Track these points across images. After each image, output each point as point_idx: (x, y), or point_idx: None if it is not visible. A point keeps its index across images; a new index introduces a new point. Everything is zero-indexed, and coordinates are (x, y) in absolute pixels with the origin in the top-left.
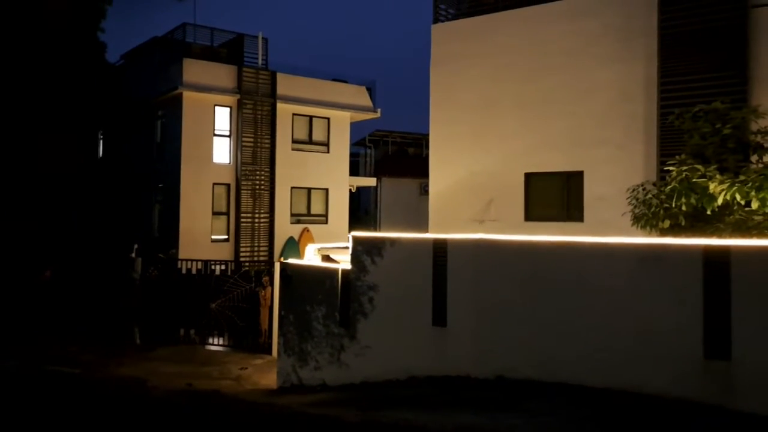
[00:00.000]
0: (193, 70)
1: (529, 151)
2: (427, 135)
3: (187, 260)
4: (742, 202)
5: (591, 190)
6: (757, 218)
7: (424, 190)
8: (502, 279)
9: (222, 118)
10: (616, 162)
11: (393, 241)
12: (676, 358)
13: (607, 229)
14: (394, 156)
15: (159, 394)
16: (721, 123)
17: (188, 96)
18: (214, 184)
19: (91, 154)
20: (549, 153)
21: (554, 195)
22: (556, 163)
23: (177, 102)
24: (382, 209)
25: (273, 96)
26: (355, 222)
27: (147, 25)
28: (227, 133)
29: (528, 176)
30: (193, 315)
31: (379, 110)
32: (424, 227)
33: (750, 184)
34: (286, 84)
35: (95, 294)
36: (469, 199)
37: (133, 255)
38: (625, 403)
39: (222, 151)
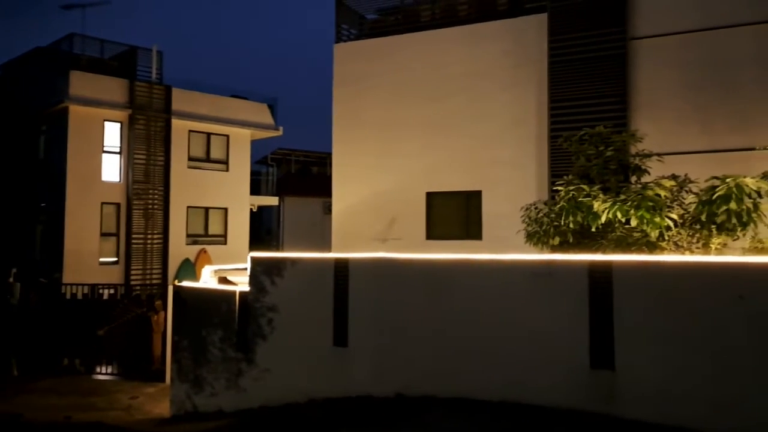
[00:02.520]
0: (81, 82)
1: (430, 171)
2: (331, 153)
3: (72, 285)
4: (623, 220)
5: (489, 208)
6: (637, 235)
7: (328, 209)
8: (402, 297)
9: (112, 133)
10: (512, 182)
11: (294, 261)
12: (566, 370)
13: (504, 247)
14: (297, 174)
15: (34, 430)
16: (604, 146)
17: (75, 110)
18: (102, 203)
19: None
20: (449, 173)
21: (454, 214)
22: (456, 183)
23: (62, 116)
24: (285, 229)
25: (168, 111)
26: (256, 242)
27: (32, 35)
28: (118, 150)
29: (429, 195)
30: (78, 343)
31: (281, 128)
32: (328, 247)
33: (629, 203)
34: (182, 99)
35: None
36: (372, 217)
37: (11, 280)
38: (517, 416)
39: (112, 169)
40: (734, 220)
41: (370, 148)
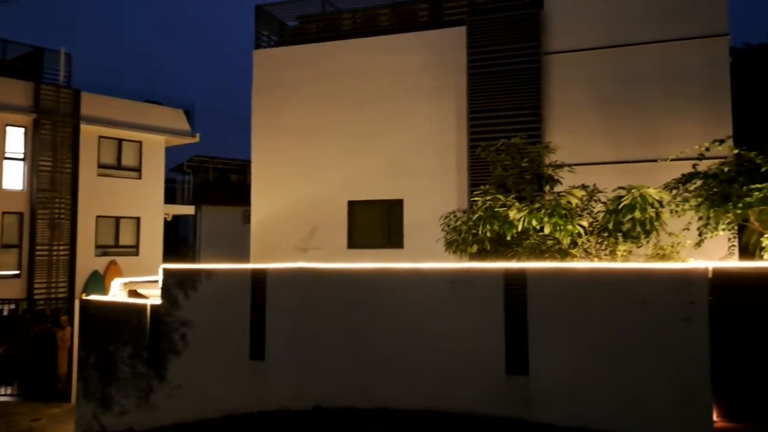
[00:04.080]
0: None
1: (352, 180)
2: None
3: None
4: (537, 228)
5: (410, 217)
6: (550, 242)
7: (247, 219)
8: (321, 308)
9: (15, 139)
10: (432, 191)
11: (208, 273)
12: (483, 376)
13: (425, 255)
14: (215, 183)
15: None
16: (520, 156)
17: None
18: (3, 213)
19: None
20: (371, 181)
21: (376, 222)
22: (377, 192)
23: None
24: (202, 239)
25: (76, 116)
26: (172, 253)
27: None
28: (21, 157)
29: (351, 204)
30: None
31: (198, 135)
32: (247, 257)
33: (543, 212)
34: (92, 104)
35: None
36: (292, 227)
37: None
38: (436, 425)
39: (14, 176)
40: (638, 228)
41: (290, 156)
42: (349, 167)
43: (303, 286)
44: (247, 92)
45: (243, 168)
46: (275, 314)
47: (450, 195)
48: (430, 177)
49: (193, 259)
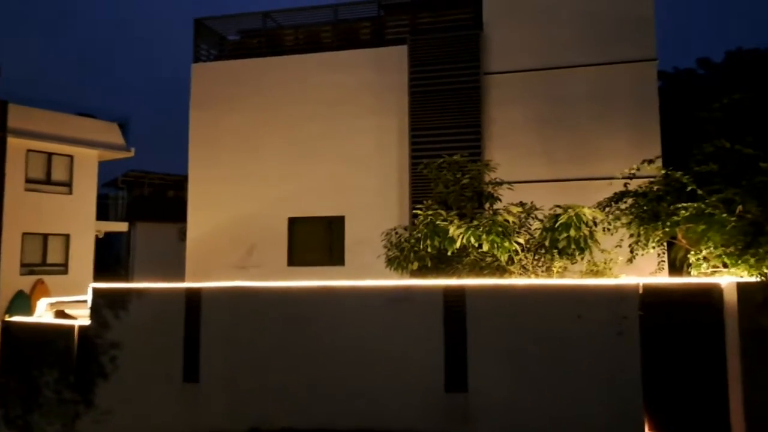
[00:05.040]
0: None
1: (293, 196)
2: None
3: None
4: (476, 245)
5: (351, 234)
6: (489, 259)
7: (184, 236)
8: (258, 328)
9: None
10: (374, 208)
11: (140, 293)
12: (423, 394)
13: (367, 272)
14: (150, 198)
15: None
16: (461, 173)
17: None
18: None
19: None
20: (312, 198)
21: (317, 239)
22: (319, 208)
23: None
24: (136, 257)
25: (2, 129)
26: (103, 272)
27: None
28: None
29: (291, 221)
30: None
31: (132, 149)
32: (183, 276)
33: (482, 229)
34: (19, 116)
35: None
36: (230, 244)
37: None
38: None
39: None
40: (573, 246)
41: (229, 172)
42: (289, 183)
43: (240, 306)
44: (186, 106)
45: (180, 184)
46: (210, 335)
47: (391, 212)
48: (371, 194)
49: (126, 278)
